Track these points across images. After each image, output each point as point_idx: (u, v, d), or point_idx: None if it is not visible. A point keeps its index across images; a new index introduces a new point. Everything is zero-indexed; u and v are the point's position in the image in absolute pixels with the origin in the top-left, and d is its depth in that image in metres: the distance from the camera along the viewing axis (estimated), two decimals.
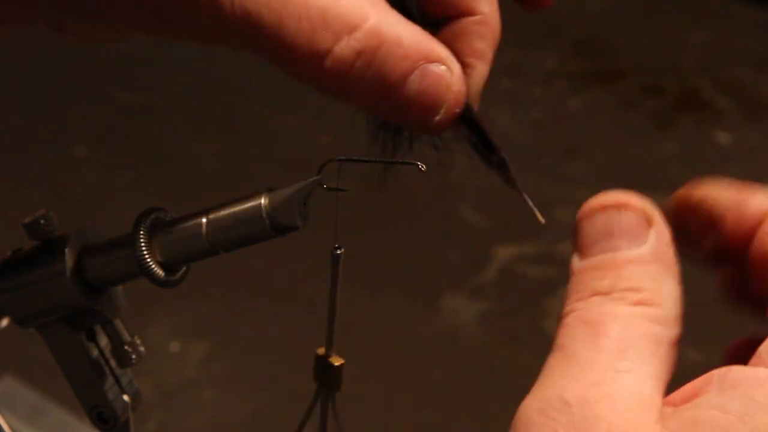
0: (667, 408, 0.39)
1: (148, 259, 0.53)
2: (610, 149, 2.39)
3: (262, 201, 0.50)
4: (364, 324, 1.88)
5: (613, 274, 0.43)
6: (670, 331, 0.42)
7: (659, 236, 0.44)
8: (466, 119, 0.48)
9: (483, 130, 0.49)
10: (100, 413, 0.59)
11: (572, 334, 0.41)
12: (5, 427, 0.58)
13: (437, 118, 0.46)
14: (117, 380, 0.59)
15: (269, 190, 0.51)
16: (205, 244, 0.52)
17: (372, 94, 0.46)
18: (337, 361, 0.56)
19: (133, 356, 0.58)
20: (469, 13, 0.48)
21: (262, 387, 1.92)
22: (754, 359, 0.39)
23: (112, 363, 0.59)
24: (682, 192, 0.47)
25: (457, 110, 0.46)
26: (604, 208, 0.45)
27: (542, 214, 0.51)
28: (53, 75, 2.80)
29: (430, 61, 0.45)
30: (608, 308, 0.42)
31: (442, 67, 0.46)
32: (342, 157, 0.49)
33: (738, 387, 0.38)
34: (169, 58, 2.83)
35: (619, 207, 0.45)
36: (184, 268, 0.55)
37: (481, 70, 0.49)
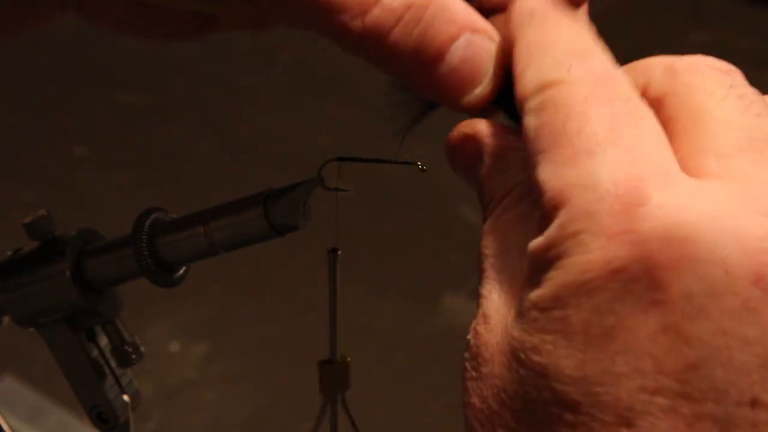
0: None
1: (148, 259, 0.53)
2: None
3: (262, 201, 0.51)
4: (364, 324, 1.88)
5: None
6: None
7: None
8: (505, 101, 0.46)
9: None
10: (100, 413, 0.59)
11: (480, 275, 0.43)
12: (5, 427, 0.58)
13: (476, 91, 0.45)
14: (117, 380, 0.59)
15: (269, 191, 0.51)
16: (205, 244, 0.52)
17: (413, 57, 0.44)
18: (343, 359, 0.56)
19: (133, 356, 0.58)
20: (503, 8, 0.47)
21: (262, 387, 1.92)
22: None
23: (112, 363, 0.59)
24: None
25: (496, 87, 0.45)
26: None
27: None
28: (53, 75, 2.80)
29: (476, 31, 0.45)
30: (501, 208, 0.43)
31: (488, 38, 0.45)
32: (342, 157, 0.49)
33: (536, 263, 0.38)
34: (169, 58, 2.83)
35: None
36: (184, 268, 0.55)
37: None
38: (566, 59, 0.41)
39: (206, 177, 2.41)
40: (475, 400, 0.39)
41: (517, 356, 0.37)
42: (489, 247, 0.42)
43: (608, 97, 0.39)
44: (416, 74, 0.45)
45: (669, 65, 0.44)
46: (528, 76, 0.42)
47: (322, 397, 0.57)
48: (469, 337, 0.41)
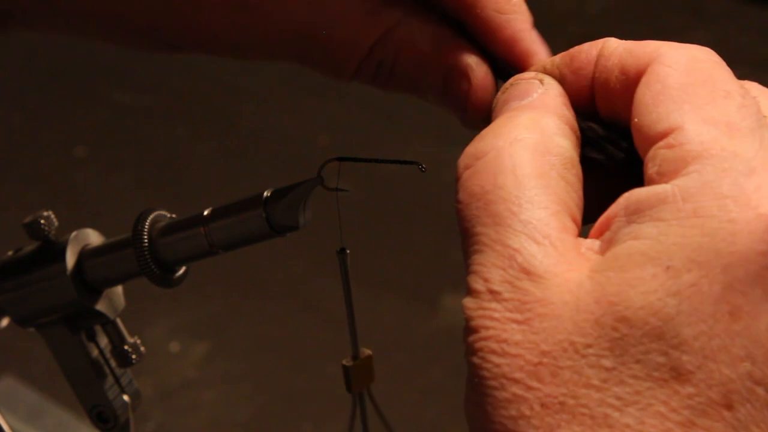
0: (588, 241, 0.39)
1: (148, 259, 0.53)
2: None
3: (262, 201, 0.51)
4: (364, 324, 1.88)
5: (494, 121, 0.44)
6: (555, 156, 0.41)
7: (546, 89, 0.44)
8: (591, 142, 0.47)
9: None
10: (100, 413, 0.59)
11: (472, 215, 0.41)
12: (5, 427, 0.58)
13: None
14: (117, 380, 0.59)
15: (269, 191, 0.51)
16: (205, 244, 0.52)
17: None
18: (364, 354, 0.56)
19: (133, 356, 0.58)
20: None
21: (262, 387, 1.92)
22: (646, 180, 0.38)
23: (112, 363, 0.59)
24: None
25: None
26: (503, 89, 0.46)
27: None
28: (53, 75, 2.80)
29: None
30: (492, 167, 0.41)
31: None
32: (342, 157, 0.49)
33: (643, 211, 0.37)
34: (169, 58, 2.82)
35: (513, 83, 0.46)
36: (184, 268, 0.55)
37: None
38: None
39: (206, 177, 2.41)
40: (523, 352, 0.37)
41: (620, 314, 0.35)
42: (506, 187, 0.40)
43: (753, 96, 0.40)
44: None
45: None
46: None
47: (351, 396, 0.57)
48: (493, 287, 0.38)
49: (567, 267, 0.37)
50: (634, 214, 0.37)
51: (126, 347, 0.58)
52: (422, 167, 0.48)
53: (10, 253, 0.58)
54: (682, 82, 0.40)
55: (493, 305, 0.38)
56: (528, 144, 0.41)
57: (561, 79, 0.45)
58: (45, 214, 0.56)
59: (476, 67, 0.49)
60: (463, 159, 0.42)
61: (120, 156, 2.54)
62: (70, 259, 0.55)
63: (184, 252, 0.53)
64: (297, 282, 2.10)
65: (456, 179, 0.42)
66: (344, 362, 0.55)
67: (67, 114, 2.68)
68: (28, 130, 2.65)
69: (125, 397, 0.59)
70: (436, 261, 2.14)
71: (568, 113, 0.44)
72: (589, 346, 0.36)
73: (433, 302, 2.03)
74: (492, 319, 0.38)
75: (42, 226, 0.56)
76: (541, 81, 0.45)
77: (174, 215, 0.55)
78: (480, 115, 0.49)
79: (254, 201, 0.51)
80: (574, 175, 0.41)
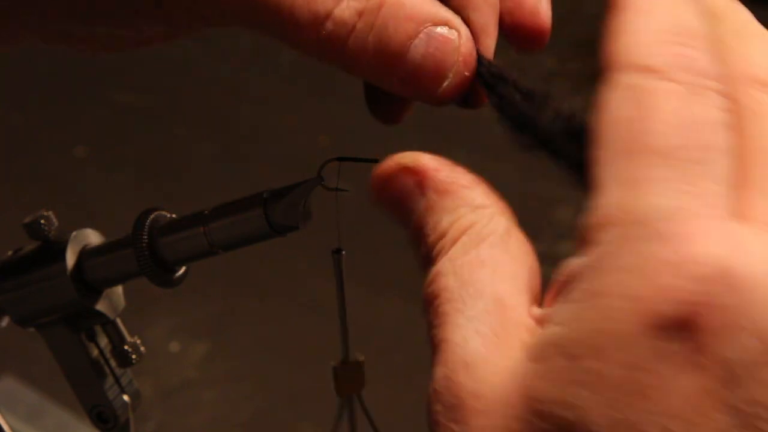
0: (542, 311, 0.38)
1: (148, 259, 0.53)
2: None
3: (262, 201, 0.51)
4: (364, 324, 1.88)
5: (417, 239, 0.44)
6: (490, 240, 0.40)
7: (428, 178, 0.43)
8: (486, 83, 0.45)
9: (508, 87, 0.45)
10: (100, 413, 0.59)
11: (428, 321, 0.41)
12: (5, 427, 0.58)
13: (446, 84, 0.44)
14: (117, 380, 0.59)
15: (269, 191, 0.51)
16: (205, 244, 0.52)
17: (375, 60, 0.43)
18: (356, 359, 0.56)
19: (133, 356, 0.58)
20: None
21: (262, 387, 1.92)
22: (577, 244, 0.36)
23: (112, 363, 0.59)
24: None
25: (467, 74, 0.44)
26: (382, 192, 0.44)
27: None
28: (53, 75, 2.80)
29: (436, 23, 0.43)
30: (434, 272, 0.41)
31: (449, 29, 0.44)
32: (342, 157, 0.49)
33: (562, 290, 0.35)
34: (169, 58, 2.83)
35: (385, 183, 0.44)
36: (184, 268, 0.55)
37: (486, 40, 0.47)
38: (673, 41, 0.38)
39: (206, 177, 2.42)
40: None
41: (536, 409, 0.34)
42: (450, 290, 0.40)
43: (698, 116, 0.36)
44: (382, 77, 0.44)
45: (753, 75, 0.39)
46: (629, 42, 0.38)
47: (338, 398, 0.57)
48: (435, 386, 0.38)
49: (506, 354, 0.37)
50: (561, 291, 0.36)
51: (126, 347, 0.58)
52: None
53: (10, 253, 0.58)
54: (614, 116, 0.36)
55: (437, 406, 0.38)
56: (460, 243, 0.41)
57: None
58: (45, 214, 0.56)
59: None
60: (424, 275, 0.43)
61: (120, 156, 2.54)
62: (70, 259, 0.55)
63: (184, 252, 0.53)
64: (297, 282, 2.10)
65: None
66: (333, 364, 0.55)
67: (67, 114, 2.68)
68: (28, 130, 2.65)
69: (125, 397, 0.59)
70: None
71: (470, 176, 0.43)
72: None
73: None
74: (436, 423, 0.38)
75: (42, 226, 0.56)
76: (412, 170, 0.43)
77: (174, 215, 0.55)
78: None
79: (254, 201, 0.51)
80: (516, 243, 0.40)
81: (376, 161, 0.50)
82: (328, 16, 0.43)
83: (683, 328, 0.33)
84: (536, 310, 0.38)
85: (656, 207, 0.34)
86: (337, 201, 0.50)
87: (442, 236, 0.42)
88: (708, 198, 0.34)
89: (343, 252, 0.52)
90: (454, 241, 0.41)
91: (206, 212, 0.52)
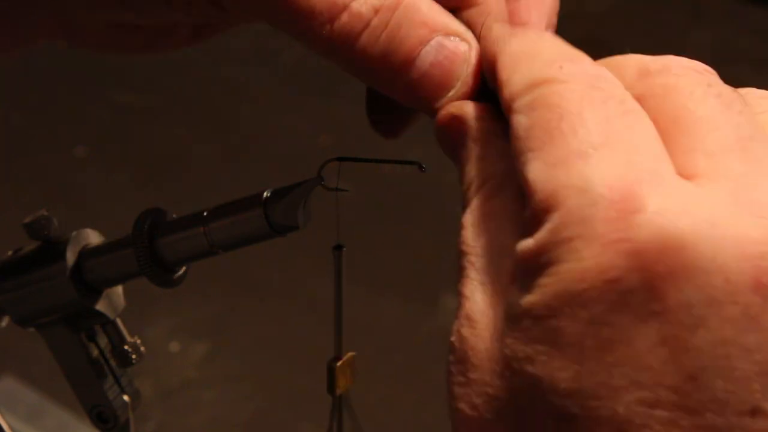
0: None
1: (148, 259, 0.53)
2: None
3: (262, 201, 0.51)
4: (364, 324, 1.88)
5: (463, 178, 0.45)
6: (503, 193, 0.41)
7: (468, 123, 0.43)
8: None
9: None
10: (100, 413, 0.59)
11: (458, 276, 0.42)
12: (5, 427, 0.58)
13: (450, 94, 0.44)
14: (117, 380, 0.59)
15: (269, 190, 0.51)
16: (205, 244, 0.52)
17: (383, 61, 0.44)
18: (346, 354, 0.56)
19: (133, 356, 0.58)
20: (470, 4, 0.47)
21: (262, 387, 1.92)
22: None
23: (112, 363, 0.59)
24: None
25: (472, 88, 0.44)
26: (440, 135, 0.45)
27: None
28: (53, 75, 2.80)
29: (448, 33, 0.44)
30: (462, 221, 0.42)
31: (461, 40, 0.44)
32: (342, 157, 0.49)
33: (516, 269, 0.38)
34: (169, 58, 2.82)
35: (441, 127, 0.45)
36: (184, 268, 0.55)
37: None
38: (557, 60, 0.40)
39: (206, 177, 2.41)
40: (464, 406, 0.38)
41: (509, 365, 0.36)
42: (468, 241, 0.41)
43: (602, 98, 0.38)
44: (386, 80, 0.45)
45: (642, 66, 0.42)
46: (517, 77, 0.40)
47: (330, 396, 0.57)
48: (452, 339, 0.40)
49: (499, 310, 0.38)
50: (517, 264, 0.37)
51: (126, 347, 0.58)
52: (422, 167, 0.48)
53: (10, 253, 0.58)
54: (526, 125, 0.38)
55: (450, 357, 0.40)
56: (480, 193, 0.42)
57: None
58: (45, 214, 0.56)
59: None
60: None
61: (120, 156, 2.54)
62: (70, 259, 0.55)
63: (184, 252, 0.53)
64: (297, 282, 2.10)
65: None
66: (330, 362, 0.55)
67: (67, 114, 2.68)
68: (28, 130, 2.65)
69: (125, 397, 0.59)
70: (436, 261, 2.14)
71: (493, 130, 0.43)
72: (497, 398, 0.37)
73: (433, 302, 2.03)
74: (449, 373, 0.40)
75: (42, 226, 0.56)
76: (458, 118, 0.44)
77: (174, 215, 0.55)
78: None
79: (254, 201, 0.51)
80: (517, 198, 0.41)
81: (376, 161, 0.50)
82: (345, 7, 0.43)
83: (635, 278, 0.34)
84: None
85: (590, 175, 0.36)
86: (337, 201, 0.50)
87: (470, 185, 0.42)
88: (640, 162, 0.36)
89: (344, 248, 0.52)
90: (477, 190, 0.42)
91: (206, 212, 0.52)
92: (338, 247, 0.52)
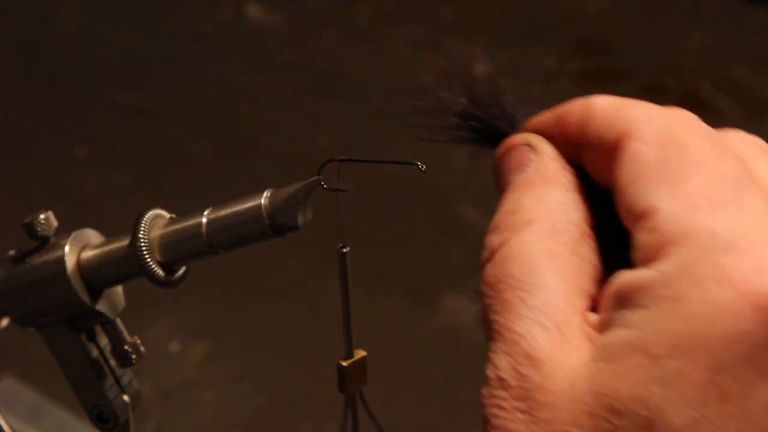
0: (594, 315, 0.39)
1: (148, 259, 0.53)
2: None
3: (262, 201, 0.51)
4: (364, 324, 1.88)
5: (502, 206, 0.43)
6: (564, 233, 0.41)
7: (541, 156, 0.44)
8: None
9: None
10: (100, 413, 0.59)
11: (487, 304, 0.41)
12: (5, 427, 0.58)
13: None
14: (117, 380, 0.59)
15: (269, 191, 0.51)
16: (205, 244, 0.52)
17: None
18: (359, 354, 0.56)
19: (133, 356, 0.58)
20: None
21: (262, 387, 1.92)
22: (634, 262, 0.38)
23: (112, 363, 0.59)
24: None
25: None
26: (499, 157, 0.46)
27: None
28: (53, 75, 2.80)
29: None
30: (502, 254, 0.41)
31: None
32: (342, 157, 0.49)
33: (628, 297, 0.37)
34: (169, 58, 2.83)
35: (507, 149, 0.45)
36: (185, 268, 0.55)
37: None
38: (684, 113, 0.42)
39: (206, 177, 2.41)
40: None
41: (610, 406, 0.35)
42: (517, 275, 0.40)
43: (731, 155, 0.40)
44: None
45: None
46: (639, 110, 0.42)
47: (343, 396, 0.57)
48: (500, 374, 0.39)
49: (569, 352, 0.38)
50: (621, 299, 0.37)
51: (126, 347, 0.58)
52: (422, 167, 0.48)
53: (10, 253, 0.58)
54: (655, 158, 0.39)
55: (501, 393, 0.38)
56: (535, 228, 0.41)
57: (551, 140, 0.45)
58: (45, 214, 0.56)
59: None
60: (484, 253, 0.42)
61: (120, 156, 2.54)
62: (70, 259, 0.55)
63: (184, 252, 0.53)
64: (297, 282, 2.10)
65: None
66: (340, 361, 0.55)
67: (67, 114, 2.68)
68: (28, 130, 2.65)
69: (125, 397, 0.59)
70: (436, 261, 2.14)
71: (570, 176, 0.43)
72: None
73: (433, 302, 2.03)
74: (500, 408, 0.38)
75: (42, 226, 0.56)
76: (532, 147, 0.45)
77: (174, 215, 0.55)
78: None
79: (254, 201, 0.51)
80: (587, 246, 0.41)
81: (376, 161, 0.50)
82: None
83: (766, 335, 0.34)
84: (592, 316, 0.39)
85: (725, 221, 0.36)
86: (337, 201, 0.50)
87: (517, 212, 0.42)
88: (757, 217, 0.37)
89: (346, 249, 0.52)
90: (529, 223, 0.41)
91: (206, 212, 0.52)
92: (341, 249, 0.52)
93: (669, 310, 0.35)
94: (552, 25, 2.85)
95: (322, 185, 0.50)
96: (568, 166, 0.44)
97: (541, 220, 0.41)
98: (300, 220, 0.50)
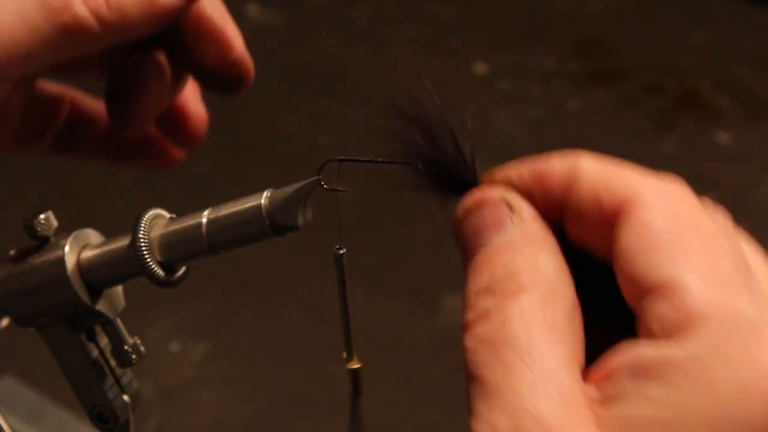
0: (590, 387, 0.39)
1: (148, 259, 0.53)
2: (610, 149, 2.38)
3: (262, 201, 0.51)
4: (364, 324, 1.88)
5: (488, 267, 0.43)
6: (561, 302, 0.41)
7: (522, 216, 0.43)
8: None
9: None
10: (100, 413, 0.59)
11: (479, 360, 0.40)
12: (5, 427, 0.58)
13: None
14: (117, 380, 0.59)
15: (269, 191, 0.51)
16: (205, 244, 0.52)
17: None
18: (354, 365, 0.56)
19: (133, 356, 0.58)
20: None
21: (262, 387, 1.92)
22: (643, 331, 0.38)
23: (112, 363, 0.59)
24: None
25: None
26: (469, 211, 0.45)
27: None
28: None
29: None
30: (500, 316, 0.40)
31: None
32: (342, 157, 0.49)
33: (651, 371, 0.37)
34: None
35: (479, 204, 0.45)
36: (185, 268, 0.55)
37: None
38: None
39: (206, 177, 2.41)
40: None
41: None
42: (518, 339, 0.40)
43: (752, 248, 0.41)
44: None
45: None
46: (651, 181, 0.43)
47: (350, 401, 0.57)
48: None
49: (576, 422, 0.37)
50: (641, 373, 0.37)
51: (126, 347, 0.58)
52: (422, 167, 0.48)
53: (10, 253, 0.58)
54: (670, 229, 0.39)
55: None
56: (534, 295, 0.41)
57: (528, 196, 0.44)
58: (45, 214, 0.56)
59: None
60: (471, 311, 0.42)
61: None
62: (70, 259, 0.55)
63: (184, 252, 0.53)
64: (297, 282, 2.10)
65: (462, 328, 0.42)
66: (352, 365, 0.55)
67: None
68: None
69: (125, 397, 0.59)
70: (436, 261, 2.14)
71: (552, 239, 0.43)
72: None
73: (433, 302, 2.03)
74: None
75: (42, 226, 0.56)
76: (510, 207, 0.44)
77: (174, 215, 0.55)
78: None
79: (254, 201, 0.51)
80: (578, 317, 0.41)
81: (376, 161, 0.50)
82: None
83: None
84: (589, 387, 0.39)
85: (748, 303, 0.37)
86: (338, 201, 0.50)
87: (511, 277, 0.42)
88: (764, 299, 0.38)
89: (343, 251, 0.52)
90: (528, 289, 0.41)
91: (206, 212, 0.52)
92: (338, 251, 0.52)
93: (700, 389, 0.36)
94: (552, 25, 2.85)
95: (322, 185, 0.50)
96: (548, 228, 0.43)
97: (538, 287, 0.41)
98: (300, 220, 0.50)
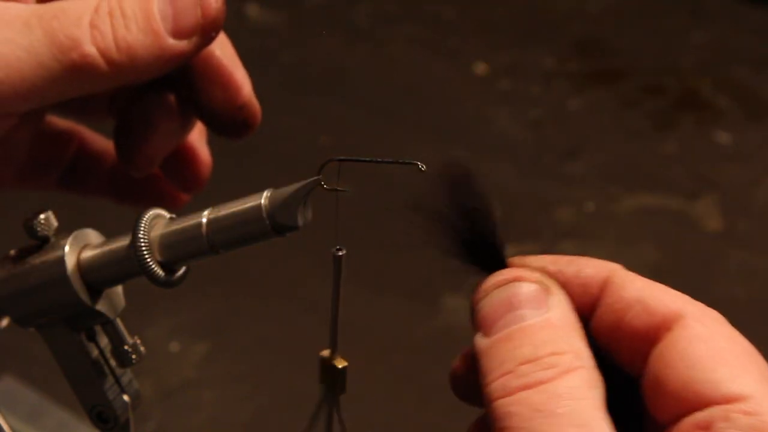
0: None
1: (148, 259, 0.53)
2: (610, 149, 2.39)
3: (263, 201, 0.51)
4: (364, 324, 1.88)
5: (529, 341, 0.44)
6: (601, 389, 0.42)
7: (561, 302, 0.45)
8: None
9: None
10: (100, 413, 0.59)
11: (532, 427, 0.41)
12: (5, 427, 0.58)
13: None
14: (117, 380, 0.59)
15: (269, 191, 0.51)
16: (205, 244, 0.52)
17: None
18: (340, 363, 0.56)
19: (133, 356, 0.58)
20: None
21: (262, 387, 1.92)
22: None
23: (112, 363, 0.59)
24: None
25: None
26: (501, 284, 0.46)
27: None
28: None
29: None
30: (550, 389, 0.42)
31: None
32: (342, 157, 0.49)
33: None
34: None
35: (516, 280, 0.46)
36: (185, 268, 0.55)
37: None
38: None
39: None
40: None
41: None
42: (569, 415, 0.41)
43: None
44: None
45: None
46: (669, 296, 0.46)
47: (320, 390, 0.57)
48: None
49: None
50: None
51: (126, 347, 0.58)
52: (422, 167, 0.48)
53: (10, 253, 0.58)
54: (727, 346, 0.42)
55: None
56: (583, 377, 0.43)
57: (564, 286, 0.46)
58: (45, 214, 0.56)
59: None
60: (514, 378, 0.43)
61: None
62: (70, 259, 0.55)
63: (184, 252, 0.53)
64: (297, 282, 2.10)
65: (496, 389, 0.44)
66: (336, 363, 0.55)
67: None
68: None
69: (125, 397, 0.59)
70: (436, 261, 2.14)
71: (583, 331, 0.45)
72: None
73: (433, 302, 2.03)
74: None
75: (42, 226, 0.56)
76: (547, 290, 0.45)
77: (174, 215, 0.55)
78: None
79: (254, 201, 0.51)
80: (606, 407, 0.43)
81: (376, 161, 0.50)
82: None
83: None
84: None
85: None
86: (337, 201, 0.50)
87: (559, 353, 0.43)
88: None
89: (342, 252, 0.52)
90: (576, 370, 0.43)
91: (206, 212, 0.52)
92: (337, 252, 0.52)
93: None
94: (552, 25, 2.85)
95: (322, 185, 0.50)
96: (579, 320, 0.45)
97: (584, 371, 0.43)
98: (300, 220, 0.50)
